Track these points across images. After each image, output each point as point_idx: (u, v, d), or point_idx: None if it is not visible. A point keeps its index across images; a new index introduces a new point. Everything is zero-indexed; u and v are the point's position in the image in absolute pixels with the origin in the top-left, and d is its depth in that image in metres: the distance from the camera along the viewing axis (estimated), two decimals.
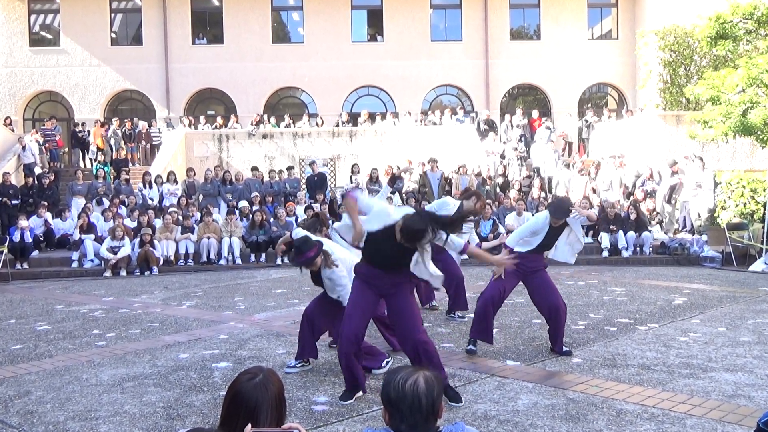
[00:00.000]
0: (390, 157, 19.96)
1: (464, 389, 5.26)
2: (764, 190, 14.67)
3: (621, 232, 14.33)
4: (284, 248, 6.30)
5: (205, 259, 14.32)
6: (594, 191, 17.46)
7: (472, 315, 6.71)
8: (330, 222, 7.13)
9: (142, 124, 22.93)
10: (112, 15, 28.03)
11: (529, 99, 29.37)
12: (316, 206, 15.97)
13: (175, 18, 27.66)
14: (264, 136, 21.64)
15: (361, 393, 5.11)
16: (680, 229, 15.88)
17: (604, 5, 28.61)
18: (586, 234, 15.24)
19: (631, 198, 16.64)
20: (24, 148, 19.69)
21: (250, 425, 2.32)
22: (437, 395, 2.38)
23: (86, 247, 14.22)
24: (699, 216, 15.74)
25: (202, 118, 24.06)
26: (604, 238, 14.30)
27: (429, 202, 15.97)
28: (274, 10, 28.34)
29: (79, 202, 16.83)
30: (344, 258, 5.68)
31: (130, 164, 21.17)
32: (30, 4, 27.65)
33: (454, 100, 28.93)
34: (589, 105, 28.47)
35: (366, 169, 18.63)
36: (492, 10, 27.90)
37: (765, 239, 13.88)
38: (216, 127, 23.05)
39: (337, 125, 23.30)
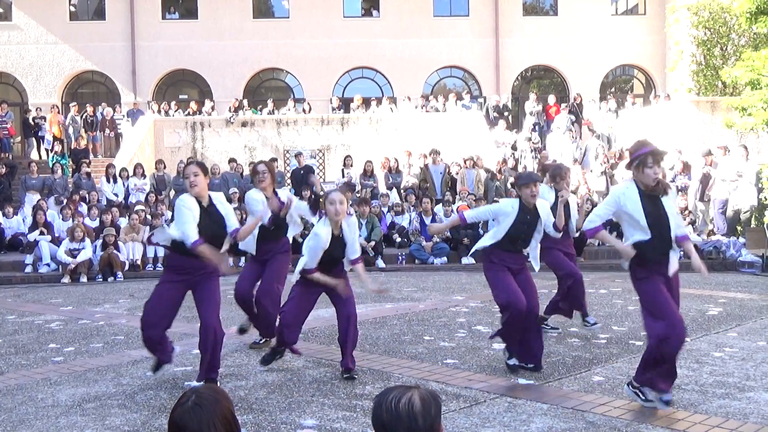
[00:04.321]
0: (387, 147, 19.98)
1: (470, 411, 5.28)
2: None
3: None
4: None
5: None
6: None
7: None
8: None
9: (106, 110, 22.90)
10: None
11: (544, 83, 29.43)
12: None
13: None
14: (243, 124, 21.64)
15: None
16: (715, 230, 15.89)
17: None
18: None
19: None
20: None
21: None
22: (435, 414, 2.40)
23: (42, 249, 14.20)
24: (737, 209, 15.59)
25: (173, 104, 24.04)
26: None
27: (430, 199, 16.03)
28: None
29: (32, 199, 16.81)
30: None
31: (92, 155, 21.14)
32: None
33: (459, 83, 28.98)
34: (613, 89, 28.52)
35: (360, 161, 18.64)
36: None
37: None
38: (189, 113, 23.04)
39: (330, 111, 23.30)
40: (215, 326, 5.87)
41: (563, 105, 23.17)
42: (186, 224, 5.78)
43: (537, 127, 22.19)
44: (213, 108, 23.62)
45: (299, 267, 6.15)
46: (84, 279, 13.68)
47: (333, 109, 23.46)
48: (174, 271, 6.07)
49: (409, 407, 2.38)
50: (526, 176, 6.48)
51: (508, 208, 6.32)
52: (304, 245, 6.12)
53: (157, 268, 14.32)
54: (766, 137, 17.12)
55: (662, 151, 5.36)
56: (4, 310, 10.36)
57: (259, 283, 7.23)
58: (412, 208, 16.23)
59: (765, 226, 14.60)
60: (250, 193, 7.13)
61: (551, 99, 23.39)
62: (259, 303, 7.13)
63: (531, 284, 6.40)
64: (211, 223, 5.93)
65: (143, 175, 17.80)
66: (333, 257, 6.11)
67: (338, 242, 6.09)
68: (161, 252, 14.43)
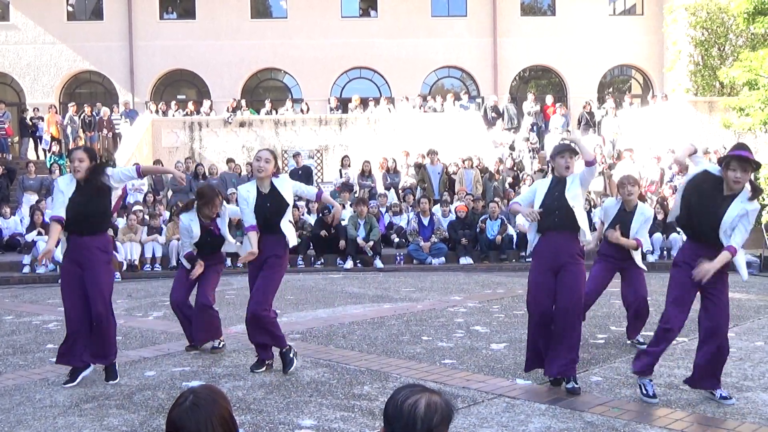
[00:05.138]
0: (385, 148, 20.00)
1: (468, 411, 5.28)
2: None
3: (646, 234, 14.34)
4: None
5: (174, 263, 14.30)
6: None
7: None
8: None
9: (104, 111, 22.87)
10: None
11: (542, 83, 29.45)
12: (301, 204, 15.97)
13: None
14: (241, 124, 21.64)
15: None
16: None
17: None
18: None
19: (658, 195, 16.69)
20: None
21: None
22: (437, 423, 2.39)
23: (39, 249, 14.16)
24: None
25: (171, 104, 24.02)
26: None
27: (429, 199, 16.04)
28: None
29: (30, 199, 16.79)
30: None
31: None
32: None
33: (457, 83, 28.98)
34: (611, 89, 28.54)
35: (358, 162, 18.65)
36: None
37: None
38: (187, 113, 23.04)
39: (328, 112, 23.30)
40: (101, 312, 6.06)
41: (558, 104, 23.19)
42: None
43: (535, 128, 22.21)
44: (211, 108, 23.61)
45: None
46: None
47: (331, 109, 23.47)
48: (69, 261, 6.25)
49: (412, 409, 2.39)
50: (560, 145, 5.91)
51: (534, 186, 6.01)
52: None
53: (155, 269, 14.33)
54: (764, 137, 17.15)
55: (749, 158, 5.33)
56: (1, 310, 10.35)
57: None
58: (410, 208, 16.24)
59: (762, 226, 14.63)
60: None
61: (549, 99, 23.41)
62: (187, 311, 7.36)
63: (570, 283, 5.68)
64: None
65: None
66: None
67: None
68: (159, 252, 14.44)
